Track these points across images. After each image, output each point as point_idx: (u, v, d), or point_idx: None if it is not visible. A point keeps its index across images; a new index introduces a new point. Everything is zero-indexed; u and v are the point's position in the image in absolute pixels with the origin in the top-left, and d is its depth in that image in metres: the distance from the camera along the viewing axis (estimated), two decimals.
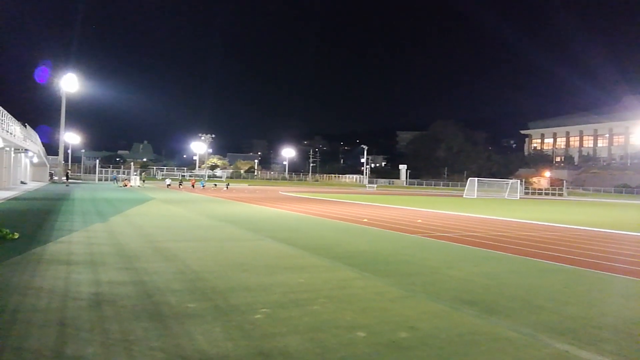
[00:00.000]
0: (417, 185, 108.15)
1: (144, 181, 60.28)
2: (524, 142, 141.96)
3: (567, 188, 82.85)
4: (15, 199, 23.78)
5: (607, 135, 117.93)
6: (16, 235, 9.70)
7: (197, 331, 4.31)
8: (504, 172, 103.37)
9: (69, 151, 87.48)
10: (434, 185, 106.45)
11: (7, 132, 29.03)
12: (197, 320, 4.62)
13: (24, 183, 46.63)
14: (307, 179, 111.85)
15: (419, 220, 17.50)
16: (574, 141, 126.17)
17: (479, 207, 29.68)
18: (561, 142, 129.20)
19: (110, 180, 70.32)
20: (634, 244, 12.57)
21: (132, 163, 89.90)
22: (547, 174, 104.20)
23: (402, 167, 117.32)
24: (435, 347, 4.12)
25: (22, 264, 7.18)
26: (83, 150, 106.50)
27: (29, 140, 39.92)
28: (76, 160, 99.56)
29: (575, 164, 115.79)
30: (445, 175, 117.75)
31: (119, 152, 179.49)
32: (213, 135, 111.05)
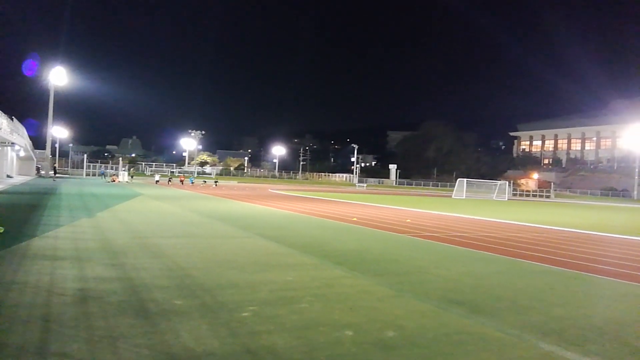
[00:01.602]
0: (407, 185, 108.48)
1: (132, 177, 59.79)
2: (513, 143, 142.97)
3: (555, 190, 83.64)
4: (0, 192, 23.47)
5: (595, 138, 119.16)
6: (1, 230, 9.57)
7: (184, 328, 4.28)
8: (493, 173, 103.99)
9: (57, 145, 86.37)
10: (424, 185, 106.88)
11: None
12: (184, 318, 4.58)
13: (10, 177, 46.07)
14: (297, 177, 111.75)
15: (408, 220, 17.56)
16: (562, 144, 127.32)
17: (468, 207, 29.86)
18: (549, 144, 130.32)
19: (98, 175, 69.73)
20: (620, 246, 12.72)
21: (120, 158, 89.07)
22: (535, 175, 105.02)
23: (392, 167, 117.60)
24: (422, 347, 4.13)
25: (7, 259, 7.08)
26: (71, 145, 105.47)
27: (15, 133, 39.41)
28: (64, 154, 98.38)
29: (563, 166, 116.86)
30: (435, 176, 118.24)
31: (108, 147, 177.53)
32: (203, 132, 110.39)
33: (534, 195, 79.11)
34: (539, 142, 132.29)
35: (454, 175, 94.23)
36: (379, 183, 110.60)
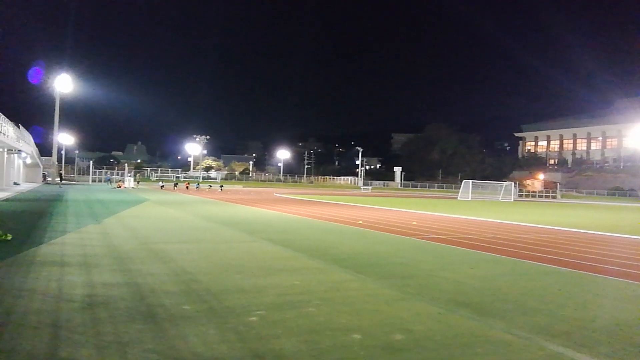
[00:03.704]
0: (412, 187, 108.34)
1: (138, 182, 60.05)
2: (518, 144, 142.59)
3: (561, 190, 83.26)
4: (8, 200, 23.62)
5: (600, 138, 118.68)
6: (9, 237, 9.63)
7: (192, 333, 4.29)
8: (498, 174, 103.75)
9: (63, 152, 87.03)
10: (429, 188, 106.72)
11: (1, 132, 28.85)
12: (192, 322, 4.60)
13: (17, 184, 46.35)
14: (302, 180, 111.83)
15: (414, 223, 17.53)
16: (568, 144, 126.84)
17: (473, 209, 29.77)
18: (555, 144, 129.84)
19: (104, 181, 70.04)
20: (627, 246, 12.65)
21: (126, 164, 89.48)
22: (541, 176, 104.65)
23: (397, 169, 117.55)
24: (430, 349, 4.13)
25: (15, 266, 7.13)
26: (77, 151, 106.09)
27: (22, 141, 39.69)
28: (70, 161, 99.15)
29: (569, 166, 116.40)
30: (440, 178, 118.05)
31: (113, 153, 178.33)
32: (207, 137, 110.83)
33: (540, 196, 78.78)
34: (544, 143, 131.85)
35: (459, 177, 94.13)
36: (384, 185, 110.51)
